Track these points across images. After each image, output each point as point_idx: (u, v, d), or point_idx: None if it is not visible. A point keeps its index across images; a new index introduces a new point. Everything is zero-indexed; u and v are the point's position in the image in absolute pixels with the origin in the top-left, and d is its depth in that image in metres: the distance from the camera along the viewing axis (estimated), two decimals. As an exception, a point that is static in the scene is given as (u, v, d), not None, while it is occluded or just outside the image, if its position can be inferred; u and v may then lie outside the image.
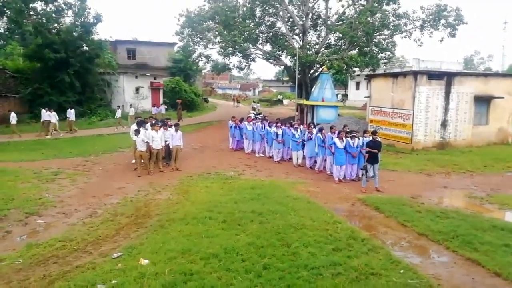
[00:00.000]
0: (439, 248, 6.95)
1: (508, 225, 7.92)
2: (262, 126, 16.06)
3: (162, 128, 13.02)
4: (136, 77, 33.65)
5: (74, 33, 27.42)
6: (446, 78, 17.93)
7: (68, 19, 28.37)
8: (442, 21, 24.11)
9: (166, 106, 30.95)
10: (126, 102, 31.54)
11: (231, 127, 17.24)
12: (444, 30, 24.37)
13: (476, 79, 18.83)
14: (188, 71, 41.29)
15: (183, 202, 9.41)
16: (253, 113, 26.55)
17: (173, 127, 13.45)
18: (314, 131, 13.51)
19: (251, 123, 16.65)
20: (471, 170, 13.70)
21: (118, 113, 24.68)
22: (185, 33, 28.51)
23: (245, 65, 31.53)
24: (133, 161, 13.40)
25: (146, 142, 12.17)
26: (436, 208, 9.19)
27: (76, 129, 22.54)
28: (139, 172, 12.35)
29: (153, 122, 13.67)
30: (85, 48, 28.18)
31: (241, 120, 17.18)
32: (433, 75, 18.07)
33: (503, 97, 18.71)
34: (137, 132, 12.30)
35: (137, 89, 33.26)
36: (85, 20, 27.68)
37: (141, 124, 13.12)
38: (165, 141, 13.05)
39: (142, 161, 12.48)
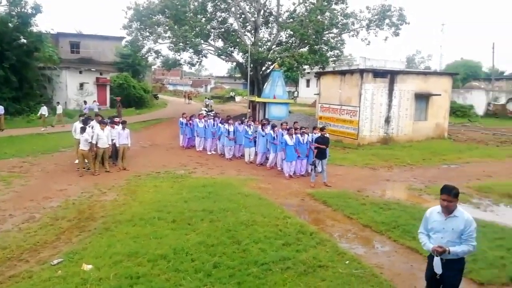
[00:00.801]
0: (382, 238, 7.31)
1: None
2: (214, 123, 15.92)
3: (108, 126, 12.48)
4: (81, 72, 31.93)
5: (10, 24, 25.38)
6: (390, 76, 18.88)
7: (2, 8, 26.25)
8: (387, 20, 25.33)
9: (98, 104, 28.72)
10: (69, 98, 29.88)
11: (182, 124, 16.92)
12: (389, 29, 25.63)
13: (416, 77, 20.00)
14: (137, 66, 39.89)
15: (130, 203, 9.09)
16: (205, 110, 26.25)
17: (120, 124, 12.93)
18: (268, 128, 13.60)
19: (203, 120, 16.45)
20: (411, 164, 14.56)
21: (59, 109, 23.30)
22: (133, 27, 27.48)
23: (197, 61, 31.03)
24: (76, 161, 12.71)
25: (89, 142, 11.60)
26: (380, 200, 9.66)
27: (3, 128, 20.67)
28: (81, 172, 11.76)
29: (100, 119, 13.05)
30: (23, 40, 26.18)
31: (191, 117, 16.91)
32: (377, 73, 18.94)
33: (440, 95, 20.05)
34: (83, 130, 11.68)
35: (81, 85, 31.56)
36: (22, 10, 25.74)
37: (86, 121, 12.47)
38: (112, 140, 12.51)
39: (86, 161, 11.88)
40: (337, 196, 9.87)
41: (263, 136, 13.52)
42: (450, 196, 4.04)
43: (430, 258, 4.21)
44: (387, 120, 18.86)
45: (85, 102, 27.96)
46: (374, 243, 7.17)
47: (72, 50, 40.09)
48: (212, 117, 17.30)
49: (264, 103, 22.40)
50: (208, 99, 40.53)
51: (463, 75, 51.61)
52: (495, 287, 5.43)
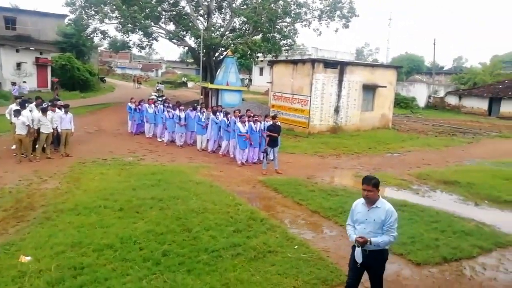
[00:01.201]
0: (329, 223, 7.58)
1: (385, 199, 8.96)
2: (163, 109, 15.42)
3: (49, 109, 11.68)
4: (17, 51, 29.56)
5: None
6: (340, 67, 19.44)
7: None
8: (338, 12, 25.94)
9: (27, 86, 26.42)
10: (4, 79, 27.55)
11: (130, 109, 16.26)
12: (339, 21, 26.28)
13: (364, 69, 20.77)
14: (82, 47, 37.51)
15: (73, 191, 8.64)
16: (155, 95, 25.47)
17: (62, 108, 12.16)
18: (221, 115, 13.47)
19: (152, 105, 15.94)
20: (358, 152, 15.20)
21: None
22: (77, 4, 25.78)
23: (147, 44, 29.90)
24: (13, 146, 11.81)
25: (27, 125, 10.80)
26: (328, 187, 10.00)
27: None
28: (19, 159, 10.96)
29: (39, 102, 12.17)
30: None
31: (141, 102, 16.31)
32: (328, 64, 19.41)
33: (385, 86, 21.02)
34: (17, 112, 10.83)
35: (18, 65, 29.23)
36: None
37: (23, 104, 11.58)
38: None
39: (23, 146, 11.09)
40: (287, 183, 10.06)
41: (216, 123, 13.39)
42: (370, 185, 4.08)
43: (353, 247, 4.26)
44: (337, 110, 19.47)
45: (24, 83, 25.98)
46: (322, 228, 7.41)
47: (7, 26, 36.78)
48: (161, 102, 16.74)
49: (217, 90, 22.21)
50: (160, 83, 39.32)
51: (407, 68, 54.54)
52: (429, 267, 5.84)
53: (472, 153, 16.12)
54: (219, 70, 23.93)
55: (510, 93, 33.61)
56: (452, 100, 37.93)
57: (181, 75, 62.88)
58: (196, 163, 12.09)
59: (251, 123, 12.09)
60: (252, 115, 12.60)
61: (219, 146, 13.64)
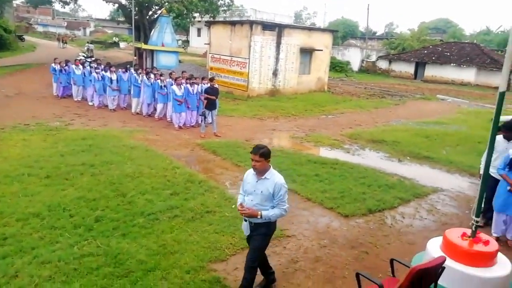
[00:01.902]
0: (266, 183, 7.78)
1: (319, 159, 9.42)
2: (90, 71, 14.32)
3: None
4: None
5: None
6: (278, 29, 19.37)
7: None
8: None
9: None
10: None
11: (55, 70, 14.91)
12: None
13: (302, 32, 20.92)
14: (-7, 0, 33.18)
15: (-9, 159, 7.89)
16: (83, 55, 23.59)
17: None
18: (152, 76, 12.90)
19: (80, 66, 14.76)
20: (295, 114, 15.59)
21: None
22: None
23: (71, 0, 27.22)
24: None
25: None
26: (266, 148, 10.18)
27: None
28: None
29: None
30: None
31: (67, 63, 15.02)
32: (267, 26, 19.23)
33: (322, 50, 21.47)
34: None
35: None
36: None
37: None
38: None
39: None
40: (226, 145, 10.09)
41: (148, 85, 12.80)
42: (257, 155, 3.77)
43: (245, 219, 4.05)
44: (275, 73, 19.59)
45: None
46: (259, 188, 7.61)
47: None
48: (89, 63, 15.51)
49: (152, 51, 21.14)
50: (89, 43, 36.33)
51: (343, 33, 56.02)
52: (356, 218, 6.32)
53: (398, 114, 17.33)
54: (153, 30, 22.64)
55: (433, 58, 36.19)
56: (383, 64, 40.00)
57: (112, 34, 58.55)
58: (131, 127, 11.60)
59: (188, 85, 11.76)
60: (188, 77, 12.23)
61: (155, 109, 13.16)
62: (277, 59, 19.47)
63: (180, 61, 23.41)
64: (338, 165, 8.87)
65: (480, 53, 34.87)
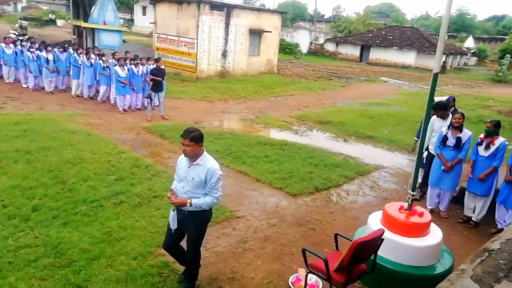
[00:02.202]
0: (216, 165, 7.73)
1: (268, 140, 9.52)
2: (21, 50, 13.19)
3: None
4: None
5: None
6: (226, 9, 19.01)
7: None
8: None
9: None
10: None
11: (-20, 49, 13.53)
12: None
13: (251, 13, 20.72)
14: None
15: None
16: (15, 33, 21.66)
17: None
18: (94, 56, 12.18)
19: (11, 45, 13.53)
20: (244, 96, 15.55)
21: None
22: None
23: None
24: None
25: None
26: (215, 131, 10.11)
27: None
28: None
29: None
30: None
31: (-5, 41, 13.69)
32: (215, 6, 18.76)
33: (271, 32, 21.45)
34: None
35: None
36: None
37: None
38: None
39: None
40: (174, 128, 9.83)
41: (88, 66, 12.07)
42: (187, 140, 3.51)
43: (173, 209, 3.80)
44: (224, 54, 19.32)
45: None
46: (209, 170, 7.54)
47: None
48: (20, 41, 14.25)
49: (93, 30, 19.92)
50: (22, 20, 33.27)
51: (292, 15, 56.38)
52: (304, 196, 6.50)
53: (344, 95, 17.91)
54: (93, 7, 21.25)
55: (377, 41, 37.63)
56: (330, 47, 40.94)
57: (48, 11, 54.18)
58: (71, 111, 10.91)
59: (133, 66, 11.24)
60: (133, 57, 11.69)
61: (97, 91, 12.47)
62: (226, 40, 19.18)
63: (124, 41, 22.30)
64: (287, 146, 9.03)
65: (420, 37, 36.81)
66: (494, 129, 5.58)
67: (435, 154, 6.12)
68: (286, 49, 36.51)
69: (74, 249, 4.41)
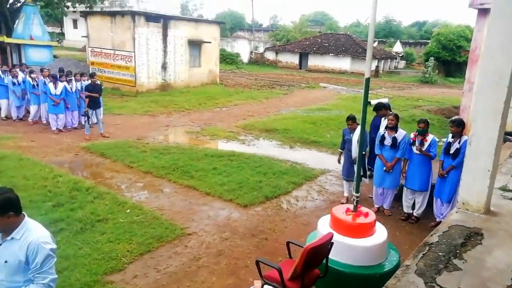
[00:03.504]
0: (163, 182, 7.51)
1: (216, 152, 9.44)
2: None
3: None
4: None
5: None
6: (163, 21, 18.69)
7: None
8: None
9: None
10: None
11: None
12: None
13: (188, 24, 20.55)
14: None
15: None
16: None
17: None
18: (20, 74, 11.34)
19: None
20: (188, 109, 15.34)
21: None
22: None
23: None
24: None
25: None
26: (160, 146, 9.83)
27: None
28: None
29: None
30: None
31: None
32: (150, 17, 18.37)
33: (210, 42, 21.43)
34: None
35: None
36: None
37: None
38: None
39: None
40: (116, 146, 9.43)
41: (16, 85, 11.20)
42: None
43: None
44: (164, 67, 18.95)
45: None
46: (156, 188, 7.30)
47: None
48: None
49: (18, 45, 18.53)
50: None
51: (230, 25, 56.89)
52: (255, 206, 6.51)
53: (287, 102, 18.35)
54: (17, 20, 19.80)
55: (314, 48, 39.15)
56: (270, 56, 41.86)
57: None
58: (-2, 134, 10.06)
59: (65, 83, 10.62)
60: (66, 73, 11.04)
61: (28, 112, 11.60)
62: (165, 52, 18.83)
63: (55, 56, 21.00)
64: (235, 156, 9.01)
65: (353, 43, 38.90)
66: (426, 128, 6.03)
67: (377, 155, 6.45)
68: (228, 59, 36.73)
69: (9, 288, 4.01)
